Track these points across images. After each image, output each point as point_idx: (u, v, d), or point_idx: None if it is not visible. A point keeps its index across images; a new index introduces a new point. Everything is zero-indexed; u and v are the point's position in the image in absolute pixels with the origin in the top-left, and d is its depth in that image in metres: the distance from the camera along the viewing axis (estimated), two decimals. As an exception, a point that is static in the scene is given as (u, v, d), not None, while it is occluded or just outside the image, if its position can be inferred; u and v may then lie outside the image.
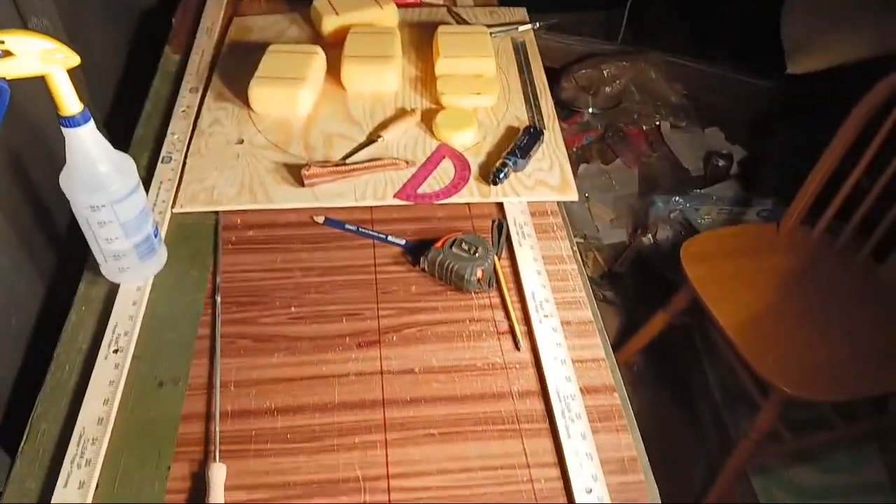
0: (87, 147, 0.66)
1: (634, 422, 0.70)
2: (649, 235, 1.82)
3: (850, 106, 1.23)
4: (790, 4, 1.63)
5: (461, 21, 1.18)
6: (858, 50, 1.51)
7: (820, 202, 1.33)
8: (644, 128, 2.11)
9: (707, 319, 1.29)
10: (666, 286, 1.57)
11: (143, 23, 1.25)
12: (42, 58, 0.59)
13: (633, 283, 1.77)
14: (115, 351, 0.72)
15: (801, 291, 1.28)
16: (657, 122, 2.12)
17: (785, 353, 1.17)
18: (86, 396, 0.68)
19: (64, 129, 0.64)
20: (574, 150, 2.05)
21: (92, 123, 0.65)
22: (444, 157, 0.93)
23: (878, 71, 1.21)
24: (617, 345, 1.60)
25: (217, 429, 0.67)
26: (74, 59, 0.61)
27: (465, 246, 0.80)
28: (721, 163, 1.98)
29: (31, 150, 0.82)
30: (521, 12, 1.21)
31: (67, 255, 0.86)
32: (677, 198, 1.89)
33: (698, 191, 1.94)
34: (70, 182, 0.67)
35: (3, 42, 0.56)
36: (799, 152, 1.47)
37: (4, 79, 0.59)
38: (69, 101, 0.62)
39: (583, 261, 0.84)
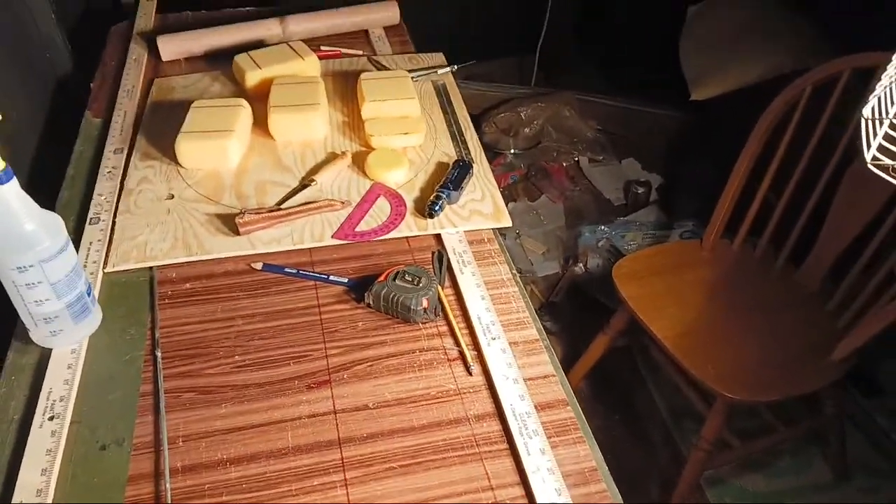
0: (11, 206, 0.64)
1: (590, 432, 0.71)
2: (580, 265, 1.87)
3: (753, 125, 1.32)
4: (687, 36, 1.75)
5: (382, 68, 1.21)
6: (753, 74, 1.62)
7: (739, 216, 1.40)
8: (564, 164, 2.19)
9: (646, 338, 1.33)
10: (602, 311, 1.61)
11: (60, 89, 1.23)
12: (-40, 115, 0.57)
13: (571, 312, 1.80)
14: (51, 418, 0.68)
15: (728, 300, 1.34)
16: (576, 158, 2.20)
17: (722, 360, 1.21)
18: (21, 469, 0.64)
19: (-15, 190, 0.62)
20: (501, 190, 2.09)
21: (15, 181, 0.63)
22: (378, 196, 0.95)
23: (774, 92, 1.30)
24: (562, 374, 1.61)
25: (168, 486, 0.64)
26: (-6, 116, 0.59)
27: (408, 277, 0.81)
28: (640, 190, 2.07)
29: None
30: (438, 57, 1.25)
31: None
32: (603, 227, 1.96)
33: (622, 219, 2.01)
34: (-6, 244, 0.65)
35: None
36: (714, 174, 1.55)
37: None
38: (-10, 158, 0.60)
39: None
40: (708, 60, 1.68)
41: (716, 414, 1.21)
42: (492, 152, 2.18)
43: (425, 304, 0.79)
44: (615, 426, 1.61)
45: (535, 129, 2.19)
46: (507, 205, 2.05)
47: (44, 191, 0.94)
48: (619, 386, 1.69)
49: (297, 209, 0.91)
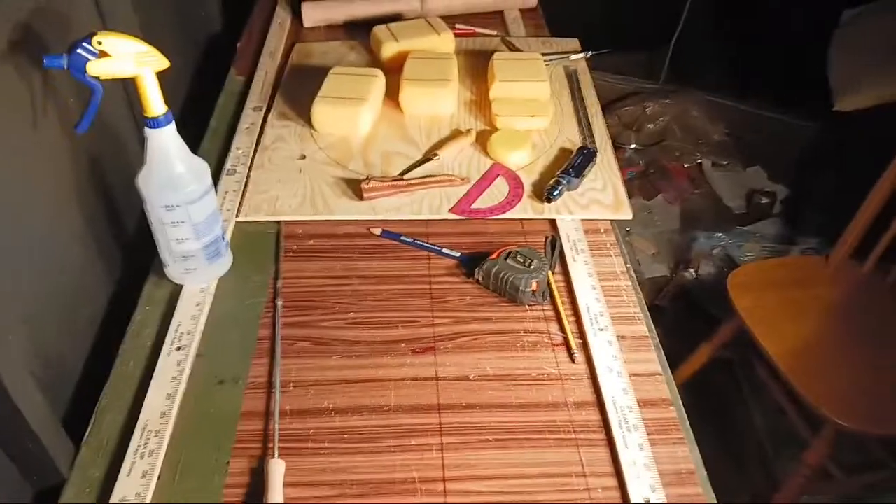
0: (167, 148, 0.69)
1: (692, 435, 0.69)
2: (691, 270, 1.81)
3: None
4: (838, 43, 1.64)
5: (515, 49, 1.21)
6: (907, 88, 1.50)
7: (872, 238, 1.31)
8: (685, 165, 2.11)
9: (752, 353, 1.28)
10: (708, 321, 1.56)
11: (210, 46, 1.30)
12: (136, 60, 0.62)
13: (675, 318, 1.75)
14: (178, 348, 0.74)
15: (851, 323, 1.26)
16: (699, 160, 2.12)
17: (835, 384, 1.15)
18: (149, 390, 0.70)
19: (147, 130, 0.67)
20: (615, 185, 2.06)
21: (173, 125, 0.68)
22: (497, 176, 0.95)
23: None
24: (659, 378, 1.57)
25: (276, 426, 0.68)
26: (164, 63, 0.64)
27: (519, 258, 0.81)
28: (764, 200, 1.97)
29: (109, 154, 0.86)
30: (573, 43, 1.24)
31: (134, 258, 0.89)
32: (719, 234, 1.88)
33: (741, 228, 1.93)
34: (148, 181, 0.70)
35: (100, 43, 0.60)
36: (844, 190, 1.46)
37: (98, 78, 0.62)
38: (155, 102, 0.66)
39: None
40: (858, 70, 1.57)
41: (822, 440, 1.15)
42: (612, 146, 2.13)
43: (534, 286, 0.79)
44: (708, 439, 1.55)
45: (659, 126, 2.13)
46: (621, 200, 2.02)
47: (187, 140, 1.01)
48: (717, 399, 1.63)
49: (419, 181, 0.93)
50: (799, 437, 1.29)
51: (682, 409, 0.71)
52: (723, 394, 1.64)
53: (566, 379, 0.73)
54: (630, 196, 2.02)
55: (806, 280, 1.33)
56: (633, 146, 2.12)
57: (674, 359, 1.58)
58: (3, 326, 0.64)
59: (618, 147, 2.12)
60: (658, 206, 2.03)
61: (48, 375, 0.71)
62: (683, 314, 1.75)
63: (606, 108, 2.11)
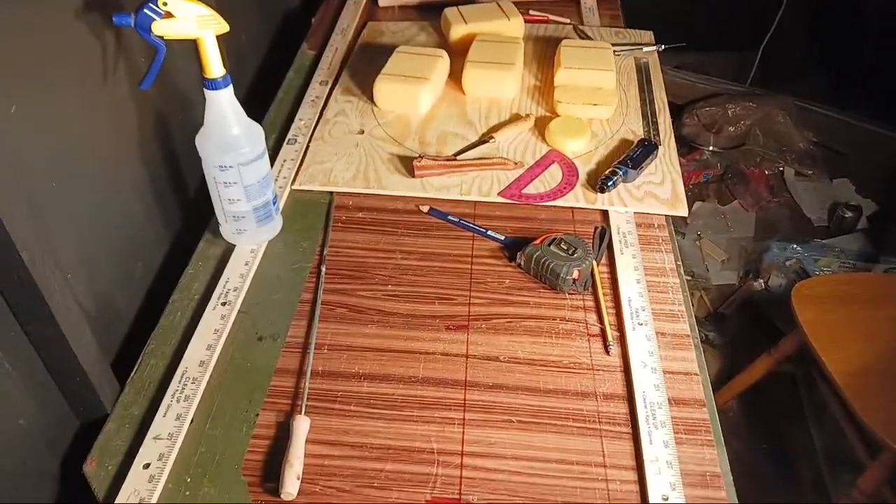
0: (224, 109, 0.71)
1: (722, 439, 0.67)
2: (761, 281, 1.74)
3: None
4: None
5: (586, 38, 1.19)
6: None
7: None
8: (766, 172, 2.03)
9: (815, 370, 1.22)
10: (774, 334, 1.50)
11: (285, 20, 1.34)
12: (198, 22, 0.65)
13: (739, 328, 1.69)
14: (224, 304, 0.77)
15: (925, 350, 1.18)
16: (781, 168, 2.04)
17: (899, 411, 1.08)
18: (192, 340, 0.73)
19: (206, 92, 0.70)
20: (690, 186, 2.00)
21: (231, 88, 0.71)
22: (552, 163, 0.94)
23: None
24: (715, 388, 1.53)
25: (307, 385, 0.70)
26: (225, 27, 0.67)
27: (564, 245, 0.80)
28: (848, 215, 1.87)
29: (175, 114, 0.90)
30: (647, 35, 1.21)
31: (192, 215, 0.93)
32: (795, 245, 1.80)
33: (820, 241, 1.84)
34: (205, 141, 0.73)
35: (165, 3, 0.63)
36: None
37: (162, 38, 0.66)
38: (215, 64, 0.68)
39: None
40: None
41: (879, 466, 1.09)
42: (689, 146, 2.07)
43: (576, 274, 0.78)
44: (760, 454, 1.50)
45: (741, 129, 2.05)
46: (693, 204, 1.96)
47: (254, 108, 1.04)
48: (774, 414, 1.57)
49: (472, 162, 0.93)
50: (856, 460, 1.22)
51: (716, 412, 0.69)
52: (782, 409, 1.58)
53: (598, 369, 0.72)
54: (704, 199, 1.98)
55: (879, 298, 1.25)
56: (711, 148, 2.05)
57: (733, 368, 1.54)
58: (65, 265, 0.68)
59: (695, 147, 2.06)
60: (733, 212, 1.96)
61: (101, 318, 0.75)
62: (748, 324, 1.69)
63: (686, 107, 2.04)
